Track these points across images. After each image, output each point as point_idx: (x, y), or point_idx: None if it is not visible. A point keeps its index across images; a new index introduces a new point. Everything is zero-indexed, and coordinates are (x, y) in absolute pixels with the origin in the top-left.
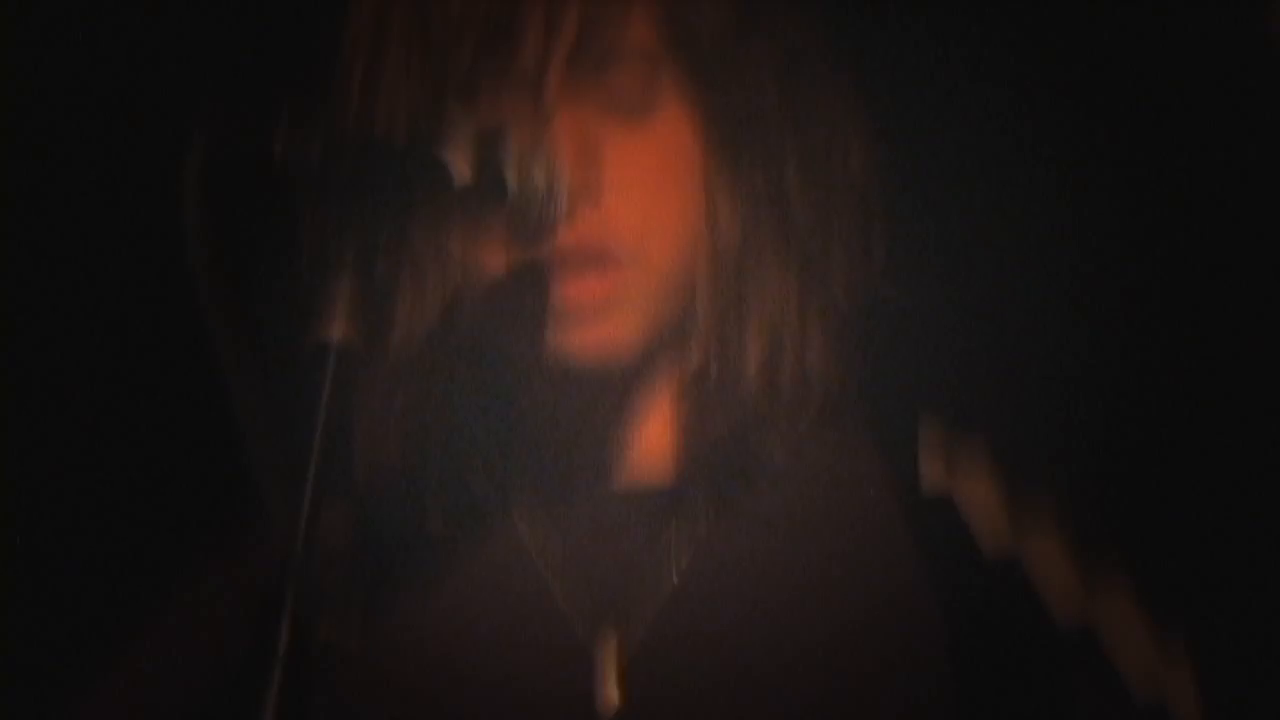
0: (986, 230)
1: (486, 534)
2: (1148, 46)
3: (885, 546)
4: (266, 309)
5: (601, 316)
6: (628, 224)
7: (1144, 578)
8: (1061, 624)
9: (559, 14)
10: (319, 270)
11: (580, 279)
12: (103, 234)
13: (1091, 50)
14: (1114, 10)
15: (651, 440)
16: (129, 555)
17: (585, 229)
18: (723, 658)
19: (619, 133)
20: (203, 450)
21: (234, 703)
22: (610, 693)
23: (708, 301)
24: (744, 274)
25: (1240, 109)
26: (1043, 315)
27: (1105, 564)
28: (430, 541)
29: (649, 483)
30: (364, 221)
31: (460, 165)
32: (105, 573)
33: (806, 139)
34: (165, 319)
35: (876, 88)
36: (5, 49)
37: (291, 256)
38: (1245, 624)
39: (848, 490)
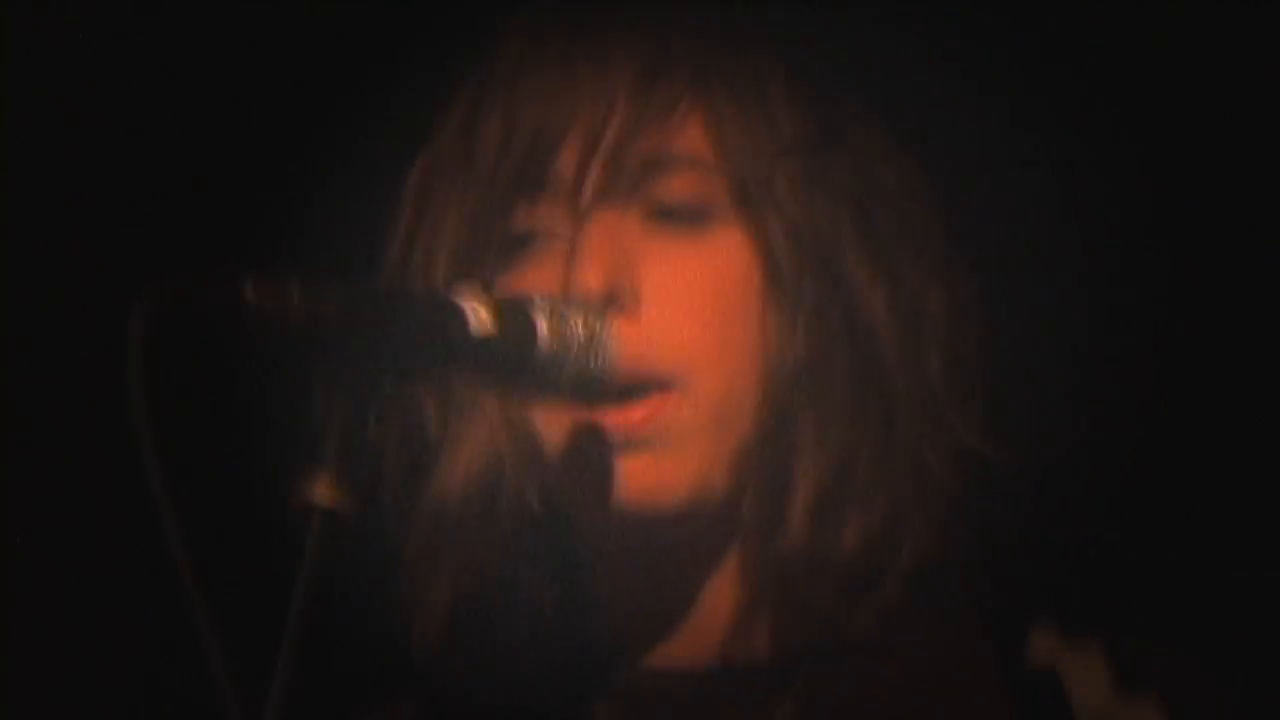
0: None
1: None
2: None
3: None
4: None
5: (644, 448)
6: (671, 343)
7: None
8: None
9: (601, 120)
10: (304, 431)
11: (620, 408)
12: None
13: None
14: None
15: (722, 604)
16: None
17: (622, 347)
18: None
19: (667, 245)
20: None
21: None
22: None
23: (761, 442)
24: (808, 413)
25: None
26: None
27: None
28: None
29: (722, 657)
30: (356, 378)
31: (481, 313)
32: None
33: (885, 262)
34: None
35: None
36: None
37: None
38: None
39: (949, 666)
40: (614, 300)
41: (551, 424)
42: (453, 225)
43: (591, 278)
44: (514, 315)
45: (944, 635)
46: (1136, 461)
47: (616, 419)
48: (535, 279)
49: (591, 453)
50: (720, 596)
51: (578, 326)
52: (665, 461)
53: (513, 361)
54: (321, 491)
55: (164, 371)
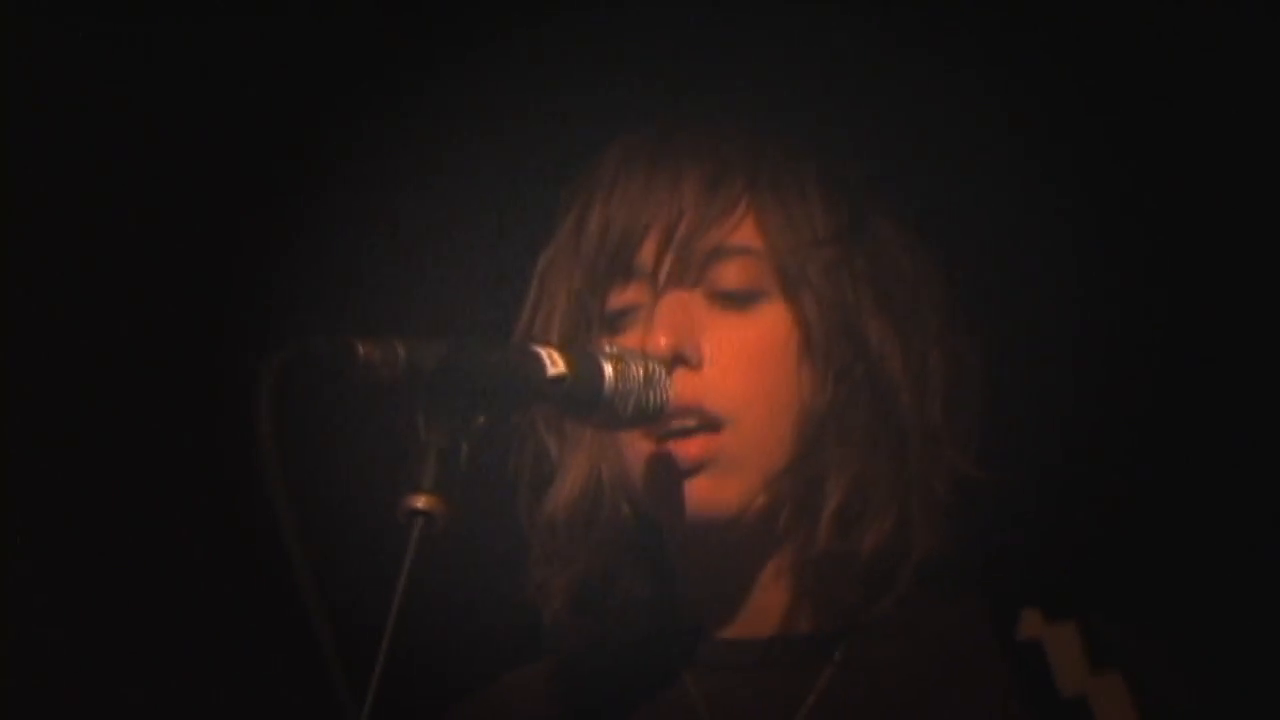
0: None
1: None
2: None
3: (983, 691)
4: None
5: (702, 471)
6: (724, 391)
7: None
8: None
9: (674, 221)
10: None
11: (683, 440)
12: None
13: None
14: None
15: (773, 592)
16: None
17: (685, 390)
18: None
19: (724, 318)
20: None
21: None
22: None
23: (796, 468)
24: (833, 447)
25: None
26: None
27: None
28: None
29: (772, 631)
30: (452, 413)
31: (555, 358)
32: None
33: (898, 329)
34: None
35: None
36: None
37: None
38: None
39: (949, 640)
40: (679, 359)
41: (635, 452)
42: (563, 301)
43: (662, 340)
44: (583, 360)
45: (948, 616)
46: (1102, 481)
47: (679, 449)
48: (627, 345)
49: (664, 474)
50: (771, 585)
51: (638, 370)
52: (718, 481)
53: (584, 397)
54: (423, 502)
55: (287, 414)
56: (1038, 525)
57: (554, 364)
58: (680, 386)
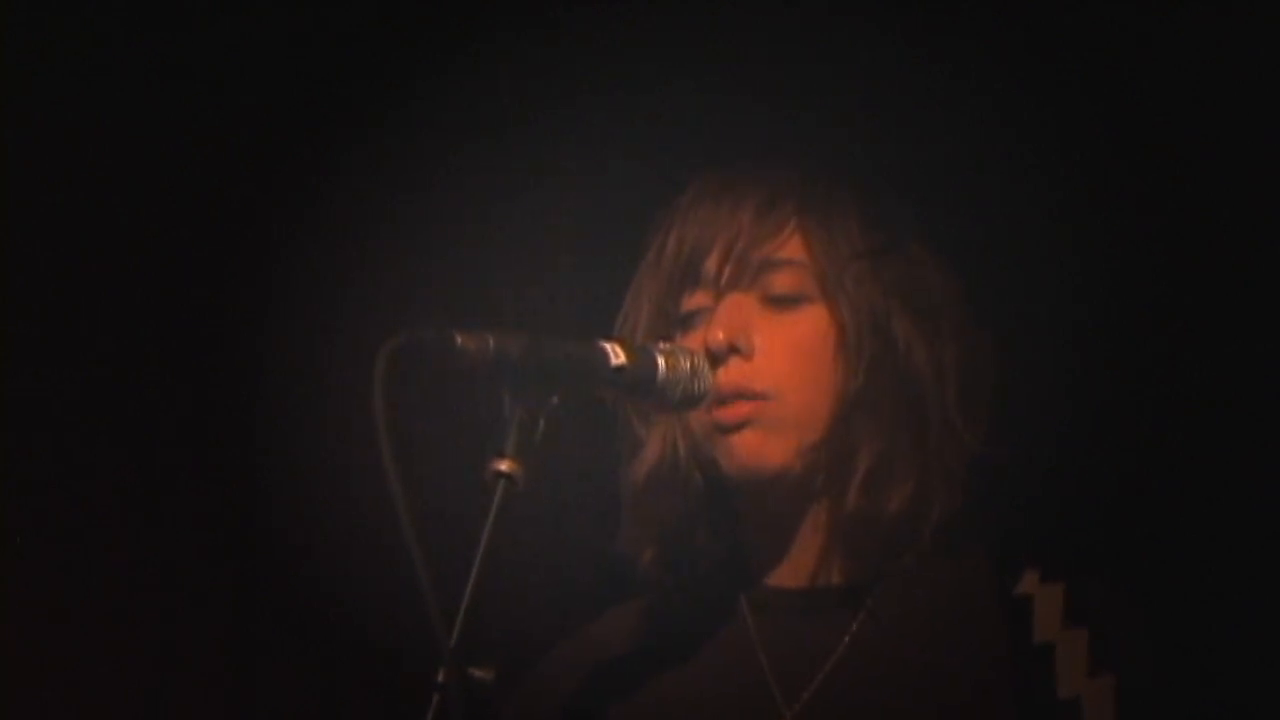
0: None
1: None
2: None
3: (982, 637)
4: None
5: (750, 427)
6: (770, 373)
7: None
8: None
9: (734, 237)
10: (495, 427)
11: (732, 405)
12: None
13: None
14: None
15: (811, 546)
16: None
17: (737, 375)
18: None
19: (773, 317)
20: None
21: None
22: None
23: (831, 440)
24: (863, 424)
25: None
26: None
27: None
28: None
29: (810, 580)
30: (531, 393)
31: (618, 351)
32: None
33: (921, 328)
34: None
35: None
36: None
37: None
38: None
39: (960, 593)
40: (733, 349)
41: (698, 420)
42: (646, 306)
43: (720, 334)
44: (641, 354)
45: (960, 572)
46: (1093, 460)
47: (729, 410)
48: (694, 341)
49: (718, 434)
50: (810, 540)
51: (685, 363)
52: (761, 438)
53: (640, 384)
54: (506, 465)
55: (398, 392)
56: (1036, 497)
57: (616, 356)
58: (733, 372)
